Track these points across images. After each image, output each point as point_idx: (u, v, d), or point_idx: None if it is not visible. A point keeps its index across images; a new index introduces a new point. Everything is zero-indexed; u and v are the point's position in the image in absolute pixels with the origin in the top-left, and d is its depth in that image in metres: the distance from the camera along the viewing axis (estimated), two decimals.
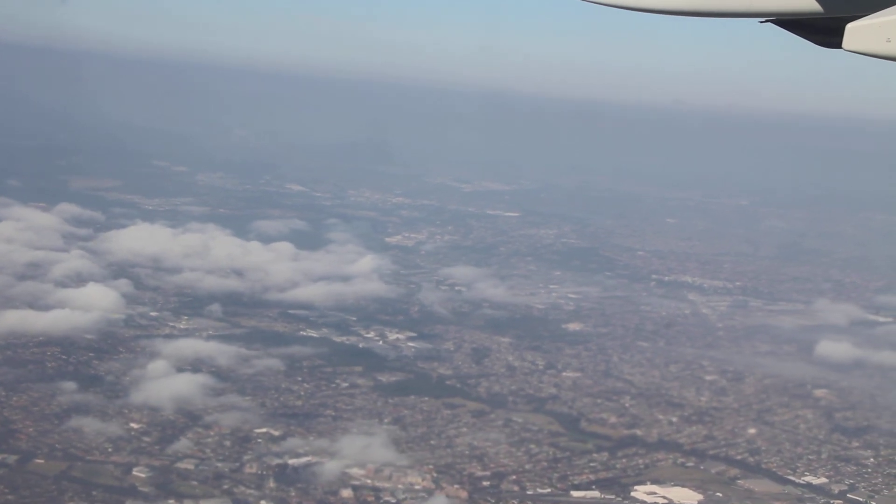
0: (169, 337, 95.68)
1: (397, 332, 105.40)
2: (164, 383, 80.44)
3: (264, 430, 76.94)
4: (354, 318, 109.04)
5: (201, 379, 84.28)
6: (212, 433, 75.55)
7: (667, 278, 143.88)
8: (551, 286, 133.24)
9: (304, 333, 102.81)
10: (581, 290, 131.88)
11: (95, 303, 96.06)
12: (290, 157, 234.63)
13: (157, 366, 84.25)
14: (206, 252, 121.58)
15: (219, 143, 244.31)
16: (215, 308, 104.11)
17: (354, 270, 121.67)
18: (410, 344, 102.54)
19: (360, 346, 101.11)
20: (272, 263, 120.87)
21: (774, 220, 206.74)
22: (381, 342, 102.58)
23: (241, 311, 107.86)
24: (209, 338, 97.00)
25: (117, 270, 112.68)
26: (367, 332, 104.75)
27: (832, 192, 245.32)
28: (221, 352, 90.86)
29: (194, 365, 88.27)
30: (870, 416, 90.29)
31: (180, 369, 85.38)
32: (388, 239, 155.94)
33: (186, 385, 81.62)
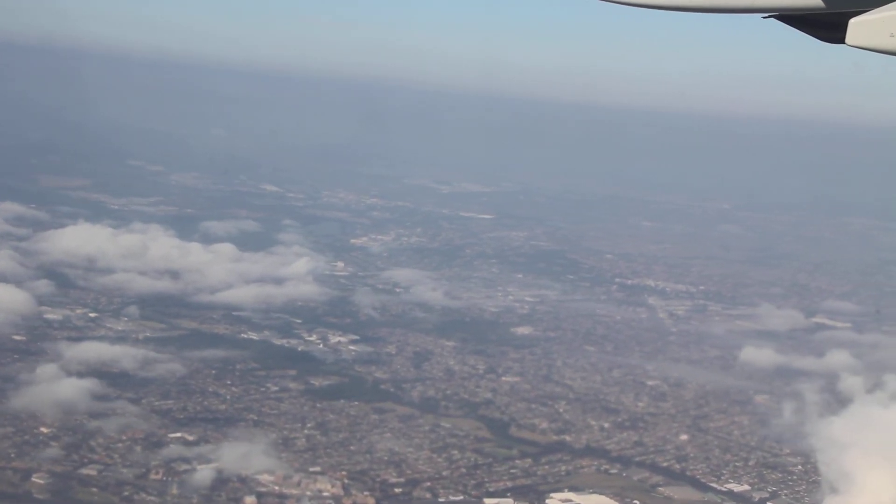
0: (84, 339, 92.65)
1: (340, 336, 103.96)
2: (72, 387, 78.96)
3: (179, 434, 75.59)
4: (299, 321, 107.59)
5: (116, 382, 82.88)
6: (124, 438, 74.18)
7: (630, 282, 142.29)
8: (509, 289, 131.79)
9: (245, 336, 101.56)
10: (539, 294, 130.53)
11: (4, 304, 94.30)
12: (272, 158, 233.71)
13: (45, 370, 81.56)
14: (143, 253, 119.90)
15: (200, 143, 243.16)
16: (133, 310, 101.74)
17: (289, 273, 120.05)
18: (352, 347, 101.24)
19: (300, 349, 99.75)
20: (209, 265, 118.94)
21: (753, 224, 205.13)
22: (321, 345, 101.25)
23: (183, 312, 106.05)
24: (145, 340, 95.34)
25: (44, 271, 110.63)
26: (310, 336, 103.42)
27: (818, 197, 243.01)
28: (147, 354, 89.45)
29: (121, 368, 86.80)
30: (807, 421, 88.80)
31: (89, 373, 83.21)
32: (353, 240, 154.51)
33: (99, 389, 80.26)
